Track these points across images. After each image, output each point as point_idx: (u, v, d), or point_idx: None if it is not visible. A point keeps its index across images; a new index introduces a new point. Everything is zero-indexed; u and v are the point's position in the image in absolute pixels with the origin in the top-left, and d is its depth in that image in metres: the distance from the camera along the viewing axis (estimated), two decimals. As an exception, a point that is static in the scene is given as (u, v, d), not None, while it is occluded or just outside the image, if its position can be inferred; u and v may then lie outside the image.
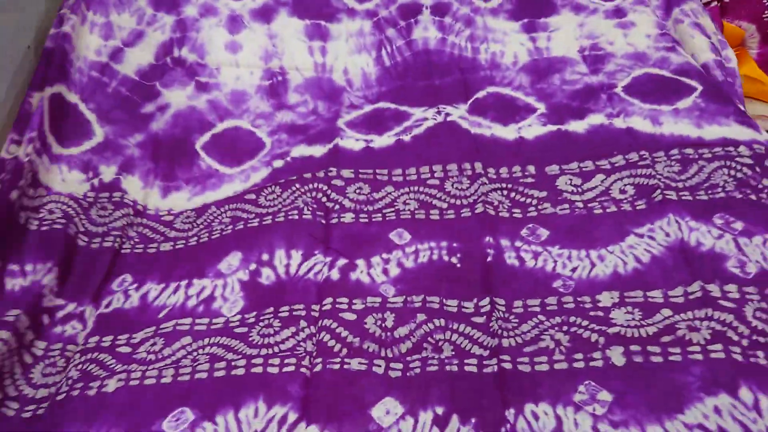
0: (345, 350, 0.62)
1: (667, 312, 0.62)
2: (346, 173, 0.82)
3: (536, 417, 0.57)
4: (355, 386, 0.60)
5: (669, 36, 1.00)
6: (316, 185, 0.81)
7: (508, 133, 0.85)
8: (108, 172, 0.84)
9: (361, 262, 0.71)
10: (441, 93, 0.94)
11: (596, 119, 0.86)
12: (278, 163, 0.87)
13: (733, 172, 0.76)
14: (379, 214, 0.77)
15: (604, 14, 1.05)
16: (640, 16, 1.03)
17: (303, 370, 0.61)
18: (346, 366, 0.61)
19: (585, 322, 0.62)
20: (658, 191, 0.74)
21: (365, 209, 0.78)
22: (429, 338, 0.63)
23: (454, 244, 0.71)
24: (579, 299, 0.65)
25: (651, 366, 0.59)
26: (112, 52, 0.94)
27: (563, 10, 1.05)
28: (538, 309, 0.65)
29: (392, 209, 0.77)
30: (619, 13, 1.04)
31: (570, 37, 1.01)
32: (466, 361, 0.61)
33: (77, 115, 0.87)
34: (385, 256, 0.72)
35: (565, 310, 0.64)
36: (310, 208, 0.78)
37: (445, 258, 0.71)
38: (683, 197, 0.74)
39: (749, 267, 0.66)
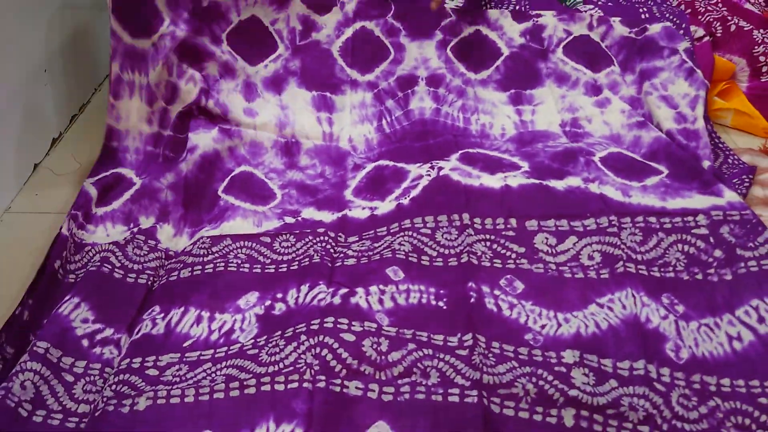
0: (344, 371, 0.71)
1: (614, 383, 0.72)
2: (353, 239, 0.93)
3: None
4: (352, 409, 0.68)
5: (639, 111, 1.12)
6: (326, 238, 0.92)
7: (494, 182, 0.96)
8: (147, 223, 0.96)
9: (360, 290, 0.82)
10: (434, 150, 1.06)
11: (574, 181, 0.97)
12: (289, 220, 0.97)
13: (686, 248, 0.86)
14: (378, 255, 0.88)
15: (584, 88, 1.16)
16: (614, 93, 1.14)
17: (306, 384, 0.70)
18: (345, 389, 0.69)
19: (550, 377, 0.71)
20: (621, 262, 0.84)
21: (366, 254, 0.89)
22: (418, 364, 0.72)
23: (441, 291, 0.82)
24: (546, 353, 0.74)
25: None
26: (160, 117, 1.06)
27: (547, 81, 1.14)
28: (512, 355, 0.74)
29: (389, 249, 0.88)
30: (596, 90, 1.14)
31: (552, 111, 1.13)
32: (449, 390, 0.70)
33: (126, 181, 1.01)
34: (381, 287, 0.82)
35: (534, 361, 0.73)
36: (319, 255, 0.89)
37: (433, 302, 0.81)
38: (640, 271, 0.84)
39: (682, 352, 0.76)
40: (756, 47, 1.28)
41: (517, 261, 0.86)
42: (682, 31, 1.22)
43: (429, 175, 0.97)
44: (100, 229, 0.95)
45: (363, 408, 0.69)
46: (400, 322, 0.79)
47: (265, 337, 0.78)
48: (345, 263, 0.87)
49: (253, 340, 0.77)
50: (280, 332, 0.78)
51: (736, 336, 0.77)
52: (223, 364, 0.75)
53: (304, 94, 1.13)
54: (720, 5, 1.33)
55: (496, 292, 0.82)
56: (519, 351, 0.75)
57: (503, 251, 0.87)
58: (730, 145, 1.20)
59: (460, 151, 1.04)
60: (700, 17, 1.32)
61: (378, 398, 0.69)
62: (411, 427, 0.68)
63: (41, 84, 1.13)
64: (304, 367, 0.71)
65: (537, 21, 1.23)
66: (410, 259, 0.86)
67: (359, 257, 0.88)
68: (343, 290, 0.81)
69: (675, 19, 1.25)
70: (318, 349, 0.73)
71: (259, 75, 1.13)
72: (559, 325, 0.79)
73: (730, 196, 0.92)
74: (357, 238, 0.93)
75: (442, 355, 0.73)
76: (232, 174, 1.03)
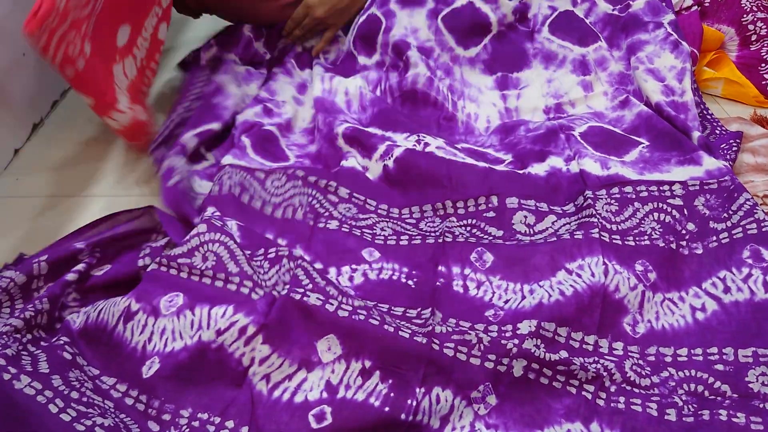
0: (310, 285, 0.72)
1: (564, 353, 0.71)
2: (343, 192, 0.92)
3: (438, 400, 0.67)
4: (308, 317, 0.70)
5: (622, 89, 1.11)
6: (314, 192, 0.91)
7: (478, 162, 0.95)
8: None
9: (332, 270, 0.82)
10: (423, 124, 1.05)
11: (556, 162, 0.95)
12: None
13: (662, 216, 0.85)
14: (359, 230, 0.87)
15: (571, 65, 1.15)
16: (599, 76, 1.14)
17: (274, 292, 0.71)
18: (305, 298, 0.70)
19: (505, 342, 0.71)
20: (596, 229, 0.82)
21: (349, 222, 0.88)
22: (376, 308, 0.73)
23: (414, 271, 0.82)
24: (503, 328, 0.74)
25: (537, 385, 0.69)
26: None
27: (534, 62, 1.13)
28: (467, 329, 0.74)
29: (370, 231, 0.88)
30: (584, 67, 1.13)
31: (537, 96, 1.11)
32: (403, 327, 0.70)
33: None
34: (354, 266, 0.82)
35: (489, 335, 0.72)
36: (303, 210, 0.88)
37: (403, 279, 0.81)
38: (614, 240, 0.82)
39: (639, 327, 0.75)
40: (745, 16, 1.27)
41: (493, 241, 0.86)
42: (664, 3, 1.20)
43: (414, 147, 0.96)
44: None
45: (319, 317, 0.70)
46: (365, 294, 0.79)
47: (249, 252, 0.80)
48: (327, 225, 0.87)
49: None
50: (263, 251, 0.80)
51: (700, 307, 0.76)
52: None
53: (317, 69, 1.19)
54: (708, -26, 1.32)
55: (466, 271, 0.81)
56: (475, 327, 0.75)
57: (480, 234, 0.87)
58: (721, 114, 1.18)
59: (444, 139, 1.02)
60: (687, -14, 1.30)
61: (335, 312, 0.70)
62: (359, 347, 0.69)
63: (22, 68, 1.12)
64: (278, 281, 0.74)
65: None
66: (389, 242, 0.86)
67: (342, 222, 0.88)
68: (318, 265, 0.81)
69: None
70: (296, 269, 0.75)
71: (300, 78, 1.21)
72: (523, 297, 0.78)
73: (708, 163, 0.91)
74: (347, 196, 0.92)
75: (400, 321, 0.73)
76: (263, 127, 1.05)
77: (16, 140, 1.11)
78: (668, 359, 0.72)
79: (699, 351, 0.72)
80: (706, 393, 0.69)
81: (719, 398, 0.68)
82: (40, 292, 0.76)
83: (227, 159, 0.95)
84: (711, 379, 0.70)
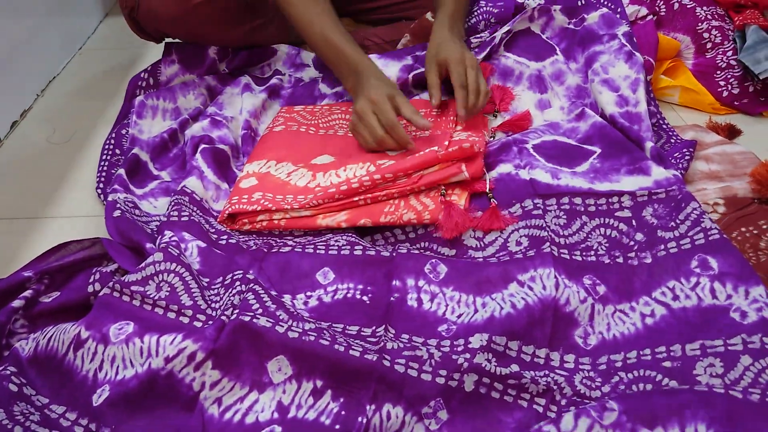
0: (260, 309, 0.72)
1: (515, 367, 0.72)
2: (297, 231, 0.93)
3: (389, 417, 0.67)
4: (257, 339, 0.70)
5: (579, 102, 1.12)
6: (269, 238, 0.92)
7: None
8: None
9: (287, 297, 0.82)
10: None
11: (505, 168, 0.96)
12: None
13: (608, 231, 0.86)
14: (312, 247, 0.87)
15: (528, 82, 1.16)
16: (556, 91, 1.15)
17: (223, 317, 0.71)
18: (255, 320, 0.70)
19: (456, 357, 0.71)
20: (547, 243, 0.83)
21: (302, 245, 0.88)
22: (328, 330, 0.73)
23: (368, 287, 0.82)
24: (455, 342, 0.74)
25: (488, 399, 0.69)
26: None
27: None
28: (419, 344, 0.74)
29: (324, 245, 0.87)
30: (540, 83, 1.15)
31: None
32: (353, 345, 0.70)
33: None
34: (308, 293, 0.82)
35: (442, 350, 0.73)
36: (257, 244, 0.89)
37: (358, 296, 0.81)
38: (563, 255, 0.83)
39: (590, 339, 0.76)
40: (699, 24, 1.29)
41: (447, 258, 0.86)
42: (618, 15, 1.22)
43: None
44: (144, 203, 0.99)
45: (268, 339, 0.70)
46: (320, 316, 0.79)
47: (207, 281, 0.80)
48: (280, 250, 0.87)
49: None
50: (221, 279, 0.80)
51: (649, 313, 0.77)
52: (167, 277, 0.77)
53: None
54: (663, -17, 1.34)
55: (420, 283, 0.82)
56: (428, 342, 0.75)
57: (434, 255, 0.87)
58: (677, 122, 1.20)
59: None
60: (643, -4, 1.32)
61: (285, 333, 0.70)
62: (310, 367, 0.69)
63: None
64: (229, 306, 0.73)
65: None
66: (343, 252, 0.86)
67: (294, 246, 0.88)
68: (273, 292, 0.80)
69: (609, 3, 1.25)
70: (247, 294, 0.75)
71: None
72: (476, 311, 0.78)
73: (657, 173, 0.91)
74: (302, 231, 0.93)
75: (352, 339, 0.74)
76: (215, 146, 1.05)
77: (-26, 160, 1.11)
78: (618, 364, 0.73)
79: (647, 351, 0.73)
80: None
81: None
82: (-14, 321, 0.75)
83: (191, 183, 0.95)
84: (659, 377, 0.70)
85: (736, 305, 0.73)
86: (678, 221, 0.84)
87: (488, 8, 1.27)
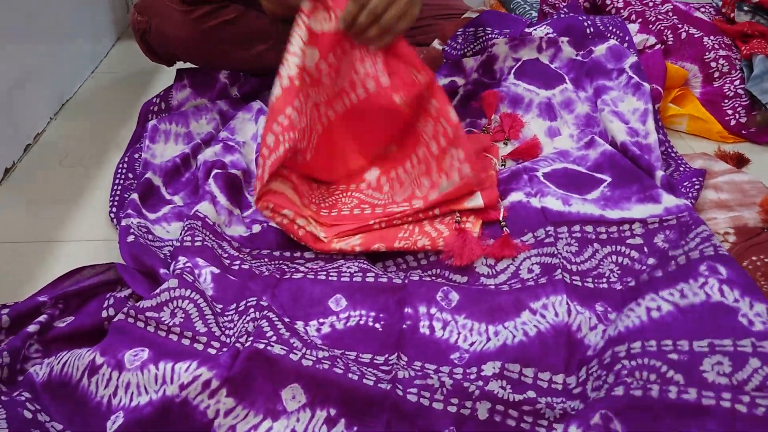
0: (274, 337, 0.72)
1: (531, 393, 0.72)
2: (309, 254, 0.94)
3: None
4: (271, 367, 0.69)
5: (588, 131, 1.13)
6: (281, 261, 0.92)
7: None
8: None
9: (300, 323, 0.82)
10: None
11: (516, 197, 0.97)
12: (256, 228, 0.98)
13: (620, 259, 0.86)
14: (324, 273, 0.88)
15: (537, 110, 1.17)
16: (566, 119, 1.16)
17: (237, 344, 0.71)
18: (269, 348, 0.70)
19: (468, 384, 0.71)
20: (558, 270, 0.83)
21: (314, 271, 0.89)
22: (342, 357, 0.73)
23: (381, 314, 0.82)
24: (468, 370, 0.74)
25: (503, 428, 0.68)
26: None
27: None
28: (432, 372, 0.74)
29: (336, 271, 0.88)
30: (550, 111, 1.15)
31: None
32: (366, 374, 0.70)
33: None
34: (321, 320, 0.83)
35: (454, 378, 0.72)
36: (270, 271, 0.89)
37: (370, 323, 0.82)
38: (575, 281, 0.83)
39: (599, 345, 0.75)
40: (707, 53, 1.30)
41: (459, 285, 0.86)
42: (626, 44, 1.23)
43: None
44: (157, 228, 0.99)
45: (282, 367, 0.69)
46: (333, 343, 0.79)
47: (221, 307, 0.81)
48: (293, 277, 0.87)
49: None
50: (234, 306, 0.81)
51: (655, 308, 0.74)
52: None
53: None
54: (670, 14, 1.35)
55: (432, 310, 0.82)
56: (441, 370, 0.75)
57: (446, 282, 0.88)
58: (686, 150, 1.21)
59: None
60: (651, 26, 1.33)
61: (299, 361, 0.70)
62: (323, 396, 0.69)
63: (-8, 114, 1.12)
64: (243, 333, 0.73)
65: (491, 51, 1.25)
66: (355, 279, 0.86)
67: (307, 273, 0.88)
68: (285, 318, 0.81)
69: (618, 32, 1.26)
70: (261, 321, 0.75)
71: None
72: (488, 339, 0.78)
73: (668, 201, 0.92)
74: (313, 255, 0.93)
75: (364, 368, 0.74)
76: (227, 171, 1.06)
77: (-13, 185, 1.12)
78: (622, 354, 0.71)
79: (653, 342, 0.70)
80: (659, 381, 0.66)
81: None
82: (1, 345, 0.75)
83: (204, 207, 0.96)
84: (664, 368, 0.67)
85: (743, 311, 0.71)
86: (688, 239, 0.84)
87: (494, 36, 1.28)
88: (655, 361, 0.68)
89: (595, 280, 0.84)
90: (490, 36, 1.28)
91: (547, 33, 1.26)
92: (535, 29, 1.28)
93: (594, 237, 0.89)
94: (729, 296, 0.72)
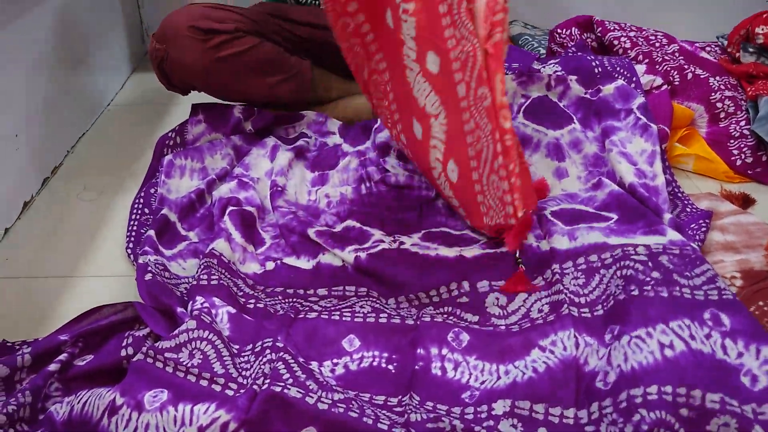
0: (291, 379, 0.74)
1: (543, 430, 0.73)
2: (322, 292, 0.96)
3: None
4: (287, 410, 0.70)
5: (596, 171, 1.15)
6: (294, 299, 0.95)
7: (450, 252, 0.98)
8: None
9: (314, 363, 0.84)
10: (400, 224, 1.09)
11: (526, 240, 0.99)
12: (270, 265, 1.00)
13: (625, 272, 0.87)
14: (338, 313, 0.90)
15: (546, 150, 1.19)
16: (574, 158, 1.18)
17: (255, 386, 0.72)
18: (286, 391, 0.71)
19: (478, 428, 0.72)
20: (565, 306, 0.85)
21: (328, 309, 0.91)
22: (356, 400, 0.75)
23: (393, 356, 0.84)
24: (478, 409, 0.75)
25: None
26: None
27: None
28: (443, 412, 0.76)
29: (350, 311, 0.90)
30: (558, 152, 1.17)
31: None
32: (381, 418, 0.72)
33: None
34: (335, 360, 0.84)
35: (465, 418, 0.74)
36: (284, 310, 0.91)
37: (383, 365, 0.83)
38: (583, 314, 0.85)
39: (609, 377, 0.75)
40: (713, 94, 1.32)
41: (470, 326, 0.88)
42: (633, 84, 1.26)
43: (390, 246, 0.99)
44: (173, 264, 1.01)
45: (298, 410, 0.70)
46: (347, 384, 0.81)
47: (237, 347, 0.82)
48: (307, 316, 0.89)
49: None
50: (251, 346, 0.82)
51: (668, 344, 0.75)
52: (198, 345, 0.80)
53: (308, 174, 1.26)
54: (677, 54, 1.38)
55: (444, 351, 0.83)
56: (452, 410, 0.76)
57: (457, 321, 0.90)
58: (692, 189, 1.22)
59: (423, 231, 1.06)
60: (657, 67, 1.36)
61: (315, 404, 0.71)
62: None
63: (13, 149, 1.15)
64: (260, 375, 0.75)
65: None
66: (368, 320, 0.88)
67: (321, 312, 0.90)
68: (300, 359, 0.83)
69: (625, 72, 1.29)
70: (277, 363, 0.77)
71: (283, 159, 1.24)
72: (499, 377, 0.80)
73: (672, 235, 0.94)
74: (326, 292, 0.95)
75: (378, 410, 0.75)
76: (242, 207, 1.08)
77: (6, 219, 1.14)
78: (638, 400, 0.71)
79: (669, 389, 0.71)
80: None
81: None
82: (23, 384, 0.77)
83: (219, 245, 0.98)
84: (677, 425, 0.69)
85: (747, 367, 0.73)
86: (693, 273, 0.85)
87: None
88: (669, 417, 0.69)
89: (604, 305, 0.86)
90: None
91: (556, 71, 1.29)
92: (543, 66, 1.31)
93: (599, 265, 0.91)
94: (732, 352, 0.74)
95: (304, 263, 1.01)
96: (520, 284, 0.91)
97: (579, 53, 1.40)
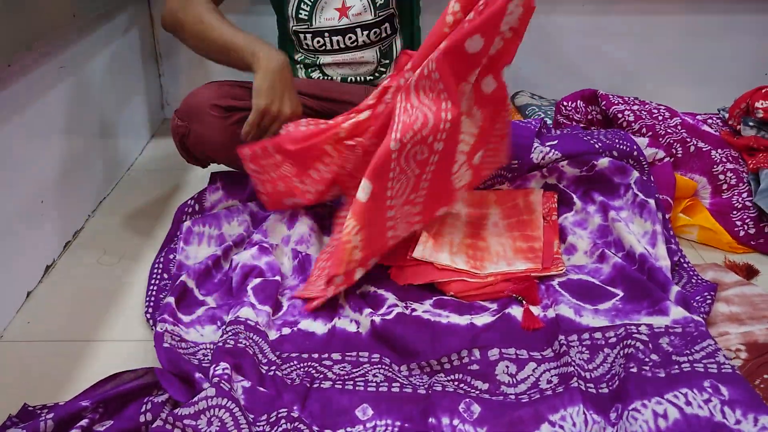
0: None
1: None
2: (336, 356, 0.98)
3: None
4: None
5: (603, 241, 1.19)
6: (310, 363, 0.97)
7: (461, 320, 1.01)
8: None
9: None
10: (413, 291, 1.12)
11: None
12: (286, 331, 1.03)
13: (627, 350, 0.91)
14: (351, 383, 0.92)
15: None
16: (580, 234, 1.22)
17: None
18: None
19: None
20: (574, 378, 0.87)
21: (342, 378, 0.93)
22: None
23: (406, 425, 0.86)
24: None
25: None
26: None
27: None
28: None
29: (363, 380, 0.92)
30: (562, 234, 1.23)
31: None
32: None
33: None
34: (349, 429, 0.86)
35: None
36: (300, 378, 0.93)
37: None
38: (589, 389, 0.87)
39: None
40: (715, 166, 1.36)
41: (480, 395, 0.90)
42: (635, 152, 1.29)
43: (403, 311, 1.02)
44: (191, 331, 1.03)
45: None
46: None
47: (252, 417, 0.84)
48: (322, 385, 0.91)
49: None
50: (265, 416, 0.84)
51: (662, 414, 0.78)
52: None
53: None
54: (679, 128, 1.42)
55: (455, 422, 0.85)
56: None
57: (467, 388, 0.92)
58: (697, 259, 1.25)
59: (435, 298, 1.10)
60: (660, 139, 1.40)
61: None
62: None
63: (38, 214, 1.19)
64: None
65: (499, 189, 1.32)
66: (381, 389, 0.90)
67: (335, 380, 0.92)
68: (315, 428, 0.84)
69: (625, 143, 1.30)
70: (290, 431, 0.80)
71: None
72: None
73: (675, 313, 0.97)
74: (340, 357, 0.98)
75: None
76: (265, 278, 1.11)
77: (28, 282, 1.17)
78: None
79: None
80: None
81: None
82: (46, 450, 0.79)
83: (244, 312, 1.00)
84: None
85: None
86: (693, 350, 0.88)
87: (501, 173, 1.31)
88: None
89: (609, 384, 0.88)
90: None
91: (546, 153, 1.30)
92: (537, 147, 1.31)
93: (603, 343, 0.94)
94: (731, 418, 0.78)
95: (320, 327, 1.04)
96: (532, 322, 0.98)
97: (574, 132, 1.42)
